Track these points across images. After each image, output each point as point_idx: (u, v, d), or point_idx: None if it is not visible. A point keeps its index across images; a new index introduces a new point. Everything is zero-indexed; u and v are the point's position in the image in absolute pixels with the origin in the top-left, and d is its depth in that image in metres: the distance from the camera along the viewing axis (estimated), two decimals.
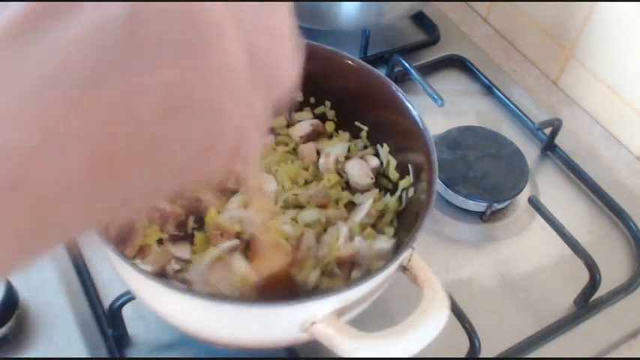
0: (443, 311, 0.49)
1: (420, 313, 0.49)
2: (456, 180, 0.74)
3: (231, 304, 0.49)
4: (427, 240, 0.72)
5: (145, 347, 0.61)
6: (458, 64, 0.93)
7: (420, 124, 0.60)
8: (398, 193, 0.64)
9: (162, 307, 0.53)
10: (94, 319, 0.62)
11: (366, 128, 0.68)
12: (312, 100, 0.70)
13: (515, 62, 0.98)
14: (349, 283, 0.57)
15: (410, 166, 0.62)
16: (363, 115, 0.68)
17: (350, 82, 0.66)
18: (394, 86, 0.63)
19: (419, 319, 0.48)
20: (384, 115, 0.65)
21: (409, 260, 0.52)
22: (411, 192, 0.62)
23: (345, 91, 0.67)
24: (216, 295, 0.56)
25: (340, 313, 0.49)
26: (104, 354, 0.60)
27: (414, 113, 0.60)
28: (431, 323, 0.48)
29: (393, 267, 0.50)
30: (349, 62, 0.65)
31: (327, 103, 0.70)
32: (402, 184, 0.64)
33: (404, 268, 0.53)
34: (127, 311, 0.59)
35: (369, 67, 0.64)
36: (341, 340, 0.47)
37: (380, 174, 0.68)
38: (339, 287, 0.50)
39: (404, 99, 0.62)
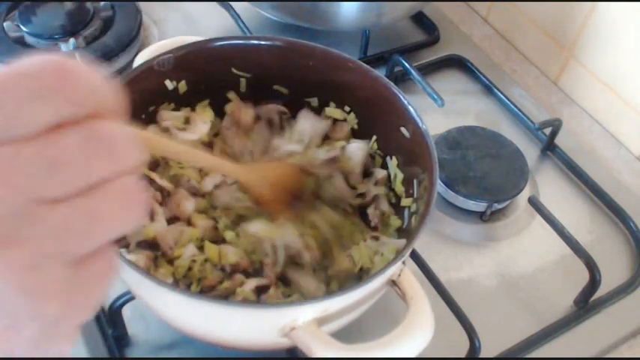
0: (426, 331, 0.48)
1: (401, 329, 0.48)
2: (456, 180, 0.74)
3: (212, 302, 0.49)
4: (427, 240, 0.72)
5: (145, 347, 0.61)
6: (458, 64, 0.93)
7: (422, 125, 0.60)
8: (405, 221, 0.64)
9: (157, 304, 0.53)
10: (94, 319, 0.62)
11: (374, 137, 0.68)
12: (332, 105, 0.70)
13: (515, 62, 0.98)
14: (330, 292, 0.57)
15: (415, 181, 0.62)
16: (367, 118, 0.69)
17: (360, 90, 0.66)
18: (394, 87, 0.63)
19: (399, 336, 0.47)
20: (387, 118, 0.65)
21: (399, 275, 0.52)
22: (413, 207, 0.62)
23: (354, 98, 0.68)
24: (201, 294, 0.57)
25: (321, 322, 0.48)
26: (104, 354, 0.60)
27: (415, 115, 0.61)
28: (411, 341, 0.47)
29: (378, 280, 0.50)
30: (367, 71, 0.65)
31: (347, 108, 0.69)
32: (405, 202, 0.64)
33: (393, 283, 0.52)
34: (127, 311, 0.59)
35: (378, 73, 0.64)
36: (317, 349, 0.46)
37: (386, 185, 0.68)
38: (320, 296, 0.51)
39: (404, 100, 0.62)
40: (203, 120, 0.68)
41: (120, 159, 0.28)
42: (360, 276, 0.61)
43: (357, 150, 0.67)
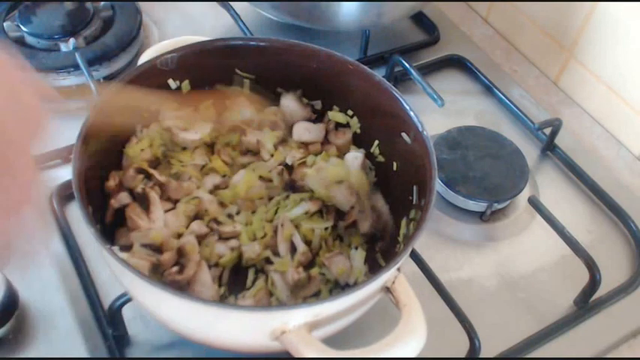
0: (418, 338, 0.48)
1: (392, 337, 0.48)
2: (456, 180, 0.74)
3: (204, 303, 0.49)
4: (427, 240, 0.72)
5: (145, 347, 0.61)
6: (458, 64, 0.93)
7: (420, 126, 0.60)
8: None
9: (151, 305, 0.53)
10: (94, 319, 0.62)
11: (377, 142, 0.68)
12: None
13: (516, 62, 0.98)
14: (322, 297, 0.57)
15: (415, 187, 0.62)
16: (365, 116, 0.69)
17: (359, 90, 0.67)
18: (397, 92, 0.63)
19: (390, 344, 0.47)
20: (389, 123, 0.65)
21: (393, 282, 0.52)
22: (412, 214, 0.62)
23: (357, 102, 0.68)
24: (192, 295, 0.57)
25: (312, 326, 0.48)
26: (104, 354, 0.60)
27: (417, 121, 0.60)
28: (403, 348, 0.47)
29: (371, 287, 0.50)
30: (370, 76, 0.65)
31: (350, 112, 0.70)
32: (403, 225, 0.63)
33: (387, 290, 0.52)
34: (127, 311, 0.59)
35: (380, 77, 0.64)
36: (307, 353, 0.46)
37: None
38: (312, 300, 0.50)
39: (405, 105, 0.62)
40: (205, 120, 0.68)
41: None
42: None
43: (354, 159, 0.67)
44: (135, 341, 0.61)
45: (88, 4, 0.88)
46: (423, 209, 0.56)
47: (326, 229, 0.65)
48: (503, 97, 0.88)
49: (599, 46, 0.87)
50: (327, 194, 0.66)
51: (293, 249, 0.63)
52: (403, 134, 0.62)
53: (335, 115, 0.70)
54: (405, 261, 0.53)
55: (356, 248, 0.64)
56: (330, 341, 0.48)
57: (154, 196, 0.62)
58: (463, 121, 0.83)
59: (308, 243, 0.64)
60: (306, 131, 0.70)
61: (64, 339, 0.61)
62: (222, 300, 0.61)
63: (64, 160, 0.74)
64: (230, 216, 0.65)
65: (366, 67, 0.65)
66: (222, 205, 0.66)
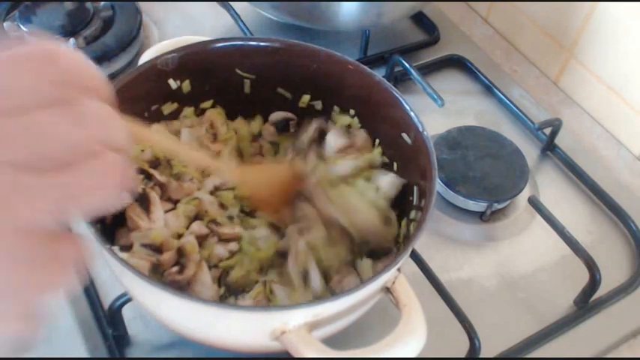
0: (418, 338, 0.48)
1: (393, 336, 0.48)
2: (456, 180, 0.74)
3: (204, 304, 0.49)
4: (427, 240, 0.72)
5: (145, 347, 0.61)
6: (458, 64, 0.93)
7: (420, 127, 0.60)
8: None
9: (151, 305, 0.53)
10: (94, 319, 0.62)
11: (377, 141, 0.68)
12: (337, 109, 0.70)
13: (516, 62, 0.98)
14: (322, 297, 0.57)
15: (415, 188, 0.61)
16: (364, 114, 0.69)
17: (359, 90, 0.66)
18: (397, 92, 0.63)
19: (390, 344, 0.47)
20: (389, 124, 0.64)
21: (393, 283, 0.52)
22: (412, 214, 0.61)
23: (357, 102, 0.68)
24: (192, 295, 0.57)
25: (313, 326, 0.48)
26: (104, 354, 0.60)
27: (417, 121, 0.60)
28: (403, 348, 0.47)
29: (371, 287, 0.49)
30: (370, 76, 0.64)
31: (352, 112, 0.69)
32: (404, 225, 0.62)
33: (387, 290, 0.52)
34: (127, 311, 0.59)
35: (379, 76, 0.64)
36: (307, 353, 0.46)
37: None
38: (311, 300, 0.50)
39: (406, 105, 0.61)
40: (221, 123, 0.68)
41: (100, 130, 0.30)
42: None
43: (390, 185, 0.64)
44: (135, 341, 0.61)
45: (88, 4, 0.89)
46: (423, 210, 0.56)
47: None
48: (503, 97, 0.88)
49: (599, 46, 0.87)
50: (349, 221, 0.62)
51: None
52: (403, 134, 0.62)
53: (339, 118, 0.69)
54: (405, 261, 0.53)
55: (361, 258, 0.63)
56: (330, 341, 0.48)
57: (154, 196, 0.62)
58: (463, 121, 0.83)
59: (319, 262, 0.61)
60: (339, 137, 0.68)
61: (64, 339, 0.61)
62: (222, 300, 0.61)
63: None
64: (230, 218, 0.65)
65: (366, 67, 0.65)
66: (222, 206, 0.66)
